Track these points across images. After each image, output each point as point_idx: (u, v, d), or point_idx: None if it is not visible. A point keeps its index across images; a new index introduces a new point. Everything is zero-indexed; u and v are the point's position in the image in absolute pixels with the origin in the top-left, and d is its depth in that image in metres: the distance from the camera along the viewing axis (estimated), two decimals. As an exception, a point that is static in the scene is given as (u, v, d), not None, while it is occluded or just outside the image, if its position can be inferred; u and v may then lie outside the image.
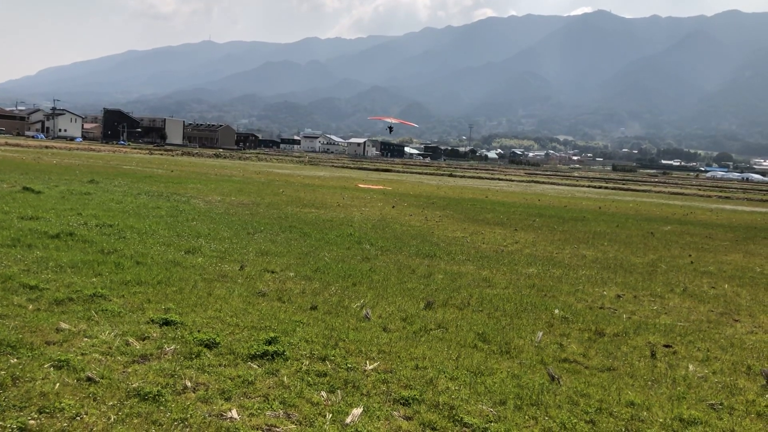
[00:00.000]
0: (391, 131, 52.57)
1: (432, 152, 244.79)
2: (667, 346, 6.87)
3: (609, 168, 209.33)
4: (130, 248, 9.46)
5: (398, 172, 77.07)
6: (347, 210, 18.97)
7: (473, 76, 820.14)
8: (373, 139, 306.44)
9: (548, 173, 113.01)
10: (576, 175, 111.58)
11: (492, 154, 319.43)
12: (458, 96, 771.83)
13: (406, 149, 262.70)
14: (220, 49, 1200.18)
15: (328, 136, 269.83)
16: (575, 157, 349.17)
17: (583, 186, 65.23)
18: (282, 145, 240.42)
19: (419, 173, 73.70)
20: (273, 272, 8.83)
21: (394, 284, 8.59)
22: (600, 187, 65.32)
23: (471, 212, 21.41)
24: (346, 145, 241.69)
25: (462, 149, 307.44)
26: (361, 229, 14.48)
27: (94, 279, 7.53)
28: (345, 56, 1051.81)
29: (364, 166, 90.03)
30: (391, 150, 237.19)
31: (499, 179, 71.28)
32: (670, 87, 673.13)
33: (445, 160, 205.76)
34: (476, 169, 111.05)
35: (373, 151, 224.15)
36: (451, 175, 73.34)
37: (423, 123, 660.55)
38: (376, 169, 79.97)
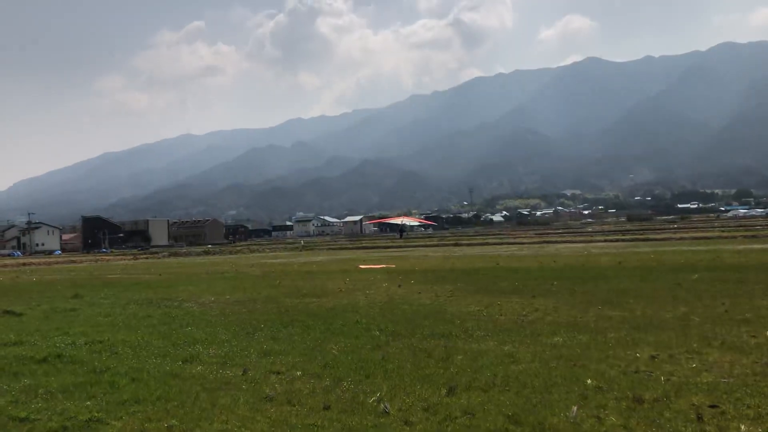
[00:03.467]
0: (402, 235, 65.10)
1: (434, 221, 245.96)
2: (713, 406, 6.79)
3: (623, 219, 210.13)
4: (124, 364, 9.45)
5: (400, 247, 77.36)
6: (351, 295, 19.00)
7: (467, 138, 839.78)
8: (370, 215, 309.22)
9: (559, 231, 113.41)
10: (589, 230, 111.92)
11: (497, 218, 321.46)
12: (454, 160, 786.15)
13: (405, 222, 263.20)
14: (201, 140, 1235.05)
15: (322, 217, 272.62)
16: (586, 212, 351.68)
17: (598, 241, 65.34)
18: (274, 233, 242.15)
19: (423, 245, 73.87)
20: (278, 373, 8.80)
21: (410, 372, 8.56)
22: (617, 240, 65.33)
23: (484, 283, 21.40)
24: (341, 225, 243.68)
25: (465, 215, 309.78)
26: (368, 314, 14.47)
27: (89, 402, 7.50)
28: (331, 133, 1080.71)
29: (363, 244, 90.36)
30: (390, 225, 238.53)
31: (509, 243, 71.39)
32: (675, 127, 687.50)
33: (448, 228, 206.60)
34: (483, 235, 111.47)
35: (370, 228, 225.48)
36: (456, 245, 73.53)
37: (420, 192, 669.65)
38: (376, 247, 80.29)
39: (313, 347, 10.62)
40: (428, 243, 79.17)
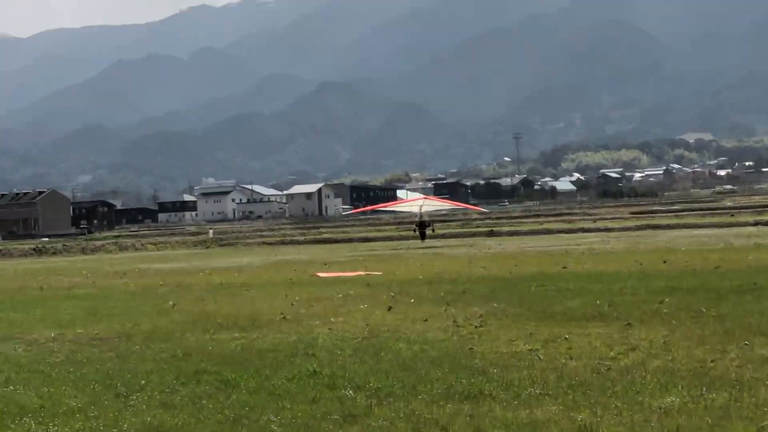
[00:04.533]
0: (424, 234, 64.05)
1: (449, 192, 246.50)
2: None
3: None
4: None
5: (389, 239, 77.36)
6: (302, 326, 18.97)
7: (507, 41, 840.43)
8: (338, 182, 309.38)
9: (675, 208, 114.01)
10: (729, 204, 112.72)
11: (564, 184, 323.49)
12: (485, 85, 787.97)
13: (401, 194, 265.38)
14: (26, 47, 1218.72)
15: (249, 187, 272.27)
16: (721, 172, 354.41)
17: (746, 224, 65.86)
18: (162, 216, 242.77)
19: (432, 236, 74.22)
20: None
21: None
22: (779, 223, 65.88)
23: (539, 301, 21.40)
24: (284, 200, 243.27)
25: (506, 181, 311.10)
26: (332, 359, 14.44)
27: None
28: (263, 35, 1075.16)
29: (323, 235, 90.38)
30: (373, 198, 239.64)
31: (584, 230, 71.69)
32: None
33: (476, 203, 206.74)
34: (537, 215, 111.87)
35: (337, 205, 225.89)
36: (491, 233, 73.75)
37: (425, 140, 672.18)
38: (348, 240, 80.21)
39: (235, 420, 10.57)
40: (440, 231, 79.41)
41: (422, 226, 65.02)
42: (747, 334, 15.11)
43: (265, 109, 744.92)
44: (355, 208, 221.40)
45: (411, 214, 78.96)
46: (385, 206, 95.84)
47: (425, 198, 79.96)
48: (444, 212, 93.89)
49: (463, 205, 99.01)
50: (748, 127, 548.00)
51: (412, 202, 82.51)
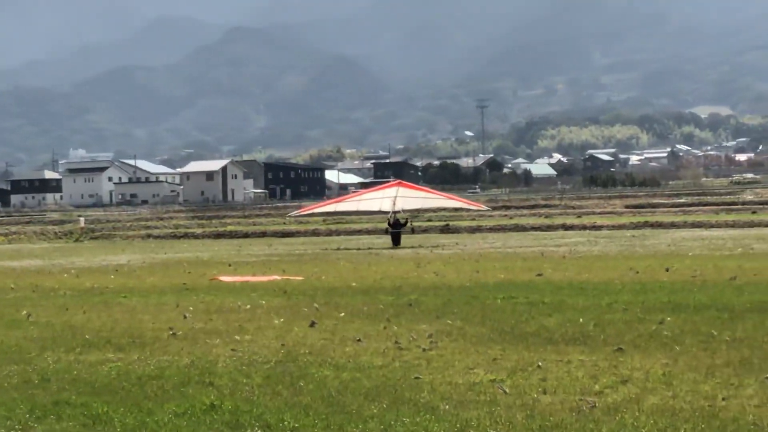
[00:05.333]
0: (398, 238, 60.34)
1: (395, 175, 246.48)
2: None
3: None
4: None
5: (315, 234, 77.21)
6: (198, 345, 18.96)
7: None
8: (248, 159, 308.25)
9: (681, 201, 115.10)
10: (749, 198, 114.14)
11: (541, 168, 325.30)
12: (440, 39, 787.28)
13: (331, 176, 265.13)
14: None
15: (131, 162, 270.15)
16: (741, 156, 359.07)
17: (768, 224, 66.73)
18: (15, 198, 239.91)
19: (368, 231, 74.41)
20: None
21: None
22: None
23: (506, 318, 21.53)
24: (178, 180, 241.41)
25: (467, 162, 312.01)
26: (236, 390, 14.43)
27: None
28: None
29: (228, 227, 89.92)
30: (295, 180, 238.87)
31: (566, 227, 72.17)
32: None
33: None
34: (506, 207, 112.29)
35: (247, 188, 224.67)
36: (447, 229, 73.95)
37: (365, 108, 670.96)
38: (262, 233, 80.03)
39: (106, 467, 10.47)
40: (380, 225, 79.53)
41: (397, 225, 62.21)
42: (769, 364, 15.30)
43: (154, 60, 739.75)
44: (272, 193, 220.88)
45: (382, 212, 71.94)
46: (345, 199, 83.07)
47: (399, 184, 71.17)
48: (426, 209, 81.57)
49: (457, 200, 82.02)
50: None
51: (382, 192, 72.98)
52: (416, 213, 72.90)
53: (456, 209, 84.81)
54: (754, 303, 22.71)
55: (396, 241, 60.19)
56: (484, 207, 76.66)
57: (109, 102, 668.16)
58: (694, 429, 11.43)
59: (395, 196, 65.07)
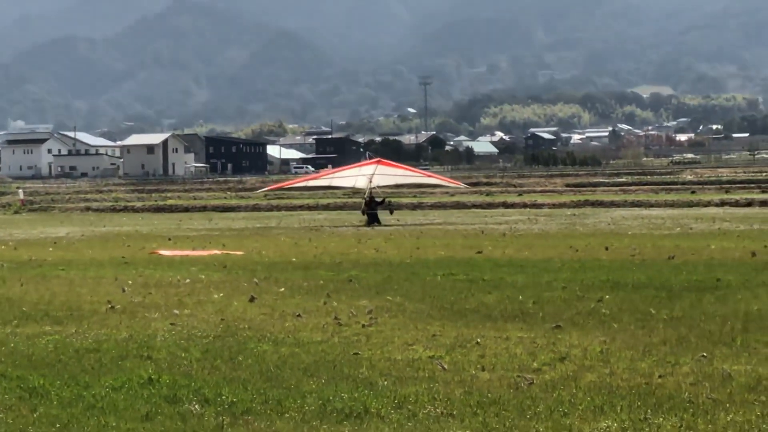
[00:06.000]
0: (374, 208, 57.39)
1: (337, 152, 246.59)
2: None
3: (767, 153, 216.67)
4: None
5: (256, 209, 76.92)
6: (136, 319, 18.85)
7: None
8: (189, 132, 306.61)
9: (622, 180, 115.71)
10: (689, 178, 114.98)
11: (483, 146, 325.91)
12: (383, 14, 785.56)
13: (273, 151, 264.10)
14: None
15: (71, 135, 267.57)
16: (682, 136, 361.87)
17: (710, 205, 67.29)
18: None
19: (310, 207, 74.36)
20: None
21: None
22: (751, 204, 67.53)
23: (445, 294, 21.60)
24: (118, 153, 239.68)
25: (409, 139, 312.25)
26: (174, 364, 14.39)
27: None
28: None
29: (168, 201, 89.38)
30: (237, 155, 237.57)
31: (506, 205, 72.37)
32: None
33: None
34: (446, 185, 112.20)
35: (188, 162, 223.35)
36: (388, 205, 73.97)
37: (309, 82, 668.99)
38: (202, 208, 79.61)
39: (41, 440, 10.39)
40: (322, 201, 79.55)
41: (372, 205, 59.55)
42: (705, 343, 15.43)
43: (95, 31, 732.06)
44: (213, 167, 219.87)
45: (356, 189, 72.38)
46: (318, 177, 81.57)
47: (378, 162, 68.88)
48: (402, 185, 79.16)
49: (435, 177, 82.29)
50: (718, 81, 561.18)
51: (358, 169, 70.97)
52: (390, 189, 71.36)
53: (433, 186, 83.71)
54: (691, 282, 22.90)
55: (372, 220, 57.57)
56: (462, 185, 75.57)
57: (49, 73, 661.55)
58: (630, 406, 11.48)
59: (372, 174, 63.43)
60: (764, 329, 16.60)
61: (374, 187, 61.95)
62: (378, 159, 73.74)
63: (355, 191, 68.45)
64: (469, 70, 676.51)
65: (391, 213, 60.11)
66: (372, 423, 10.98)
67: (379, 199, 60.40)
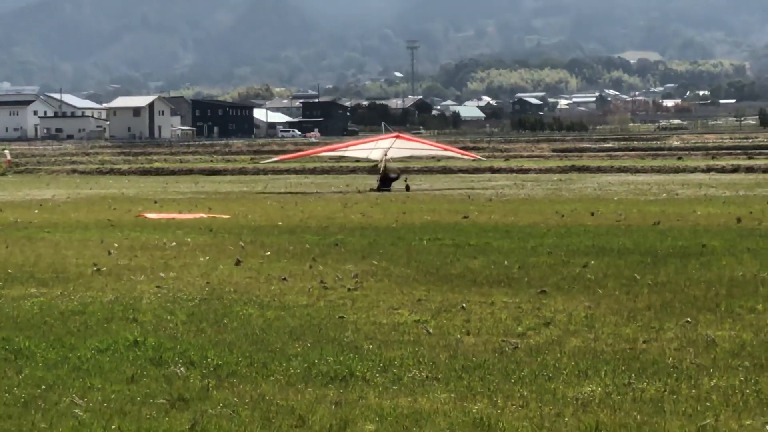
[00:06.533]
0: (388, 182, 55.45)
1: (323, 116, 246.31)
2: None
3: (754, 120, 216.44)
4: None
5: (243, 172, 76.89)
6: (122, 282, 18.84)
7: None
8: (176, 95, 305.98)
9: (608, 146, 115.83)
10: (676, 144, 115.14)
11: (470, 110, 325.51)
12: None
13: (259, 114, 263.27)
14: None
15: (57, 96, 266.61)
16: (669, 102, 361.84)
17: (697, 171, 67.41)
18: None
19: (296, 171, 74.33)
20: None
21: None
22: (737, 170, 67.69)
23: (431, 259, 21.64)
24: (104, 116, 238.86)
25: (396, 103, 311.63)
26: (160, 327, 14.39)
27: None
28: None
29: (154, 164, 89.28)
30: (223, 118, 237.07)
31: (493, 170, 72.46)
32: None
33: (357, 131, 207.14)
34: (463, 158, 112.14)
35: (174, 125, 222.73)
36: (374, 168, 73.84)
37: (296, 46, 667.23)
38: (189, 171, 79.51)
39: (27, 403, 10.34)
40: (308, 165, 79.50)
41: (386, 180, 57.85)
42: (690, 308, 15.50)
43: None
44: (200, 130, 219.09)
45: (369, 160, 69.47)
46: (333, 149, 76.02)
47: (396, 137, 65.40)
48: (416, 157, 75.79)
49: (451, 150, 77.97)
50: (705, 47, 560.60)
51: (374, 143, 67.78)
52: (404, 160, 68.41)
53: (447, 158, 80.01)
54: (676, 248, 22.95)
55: (384, 184, 56.72)
56: (479, 157, 73.32)
57: (35, 35, 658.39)
58: (614, 371, 11.53)
59: (389, 148, 61.96)
60: (748, 295, 16.70)
61: (389, 159, 60.72)
62: (396, 133, 69.70)
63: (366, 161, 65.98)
64: (456, 35, 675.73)
65: (408, 189, 55.72)
66: (357, 386, 11.01)
67: (393, 176, 58.97)
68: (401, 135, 67.89)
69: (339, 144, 74.99)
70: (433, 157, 77.39)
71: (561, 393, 10.66)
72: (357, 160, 70.52)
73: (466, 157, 72.52)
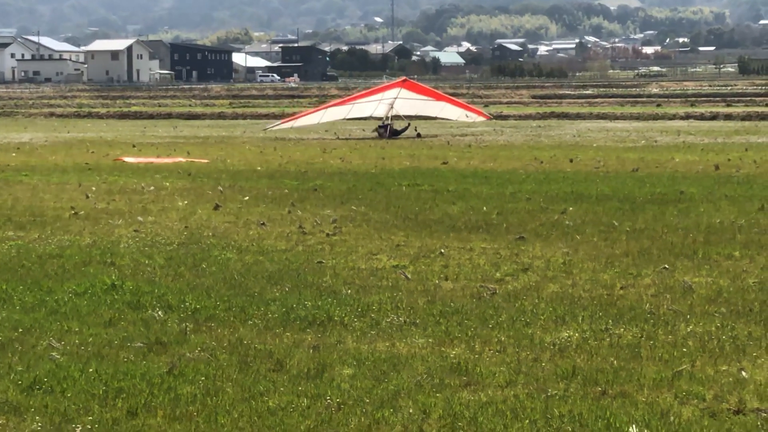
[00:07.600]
0: (395, 134, 51.14)
1: (303, 60, 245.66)
2: None
3: (733, 68, 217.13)
4: None
5: (221, 117, 76.73)
6: (100, 225, 18.88)
7: None
8: (154, 39, 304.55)
9: (588, 92, 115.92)
10: (655, 91, 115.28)
11: (450, 56, 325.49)
12: None
13: (238, 59, 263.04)
14: None
15: (34, 39, 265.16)
16: (648, 49, 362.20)
17: (675, 118, 67.45)
18: None
19: (276, 116, 74.12)
20: None
21: (237, 409, 8.52)
22: (716, 117, 67.76)
23: (410, 204, 21.67)
24: (82, 59, 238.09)
25: (376, 49, 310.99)
26: (138, 270, 14.42)
27: None
28: None
29: (133, 108, 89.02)
30: (202, 62, 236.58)
31: (471, 117, 72.24)
32: None
33: (337, 77, 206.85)
34: (472, 117, 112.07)
35: (152, 68, 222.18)
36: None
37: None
38: (167, 115, 79.27)
39: (4, 346, 10.29)
40: (287, 110, 79.29)
41: (393, 132, 53.36)
42: (667, 255, 15.61)
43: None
44: (178, 74, 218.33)
45: (374, 117, 61.07)
46: (333, 105, 66.50)
47: (401, 86, 59.40)
48: (422, 116, 67.98)
49: (462, 106, 67.98)
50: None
51: (380, 95, 60.97)
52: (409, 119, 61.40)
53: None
54: (654, 195, 23.03)
55: (391, 134, 52.31)
56: (489, 117, 68.14)
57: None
58: (592, 317, 11.60)
59: (395, 98, 56.88)
60: (725, 242, 16.79)
61: (395, 114, 56.18)
62: (403, 79, 64.19)
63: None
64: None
65: (419, 137, 52.15)
66: (335, 331, 11.06)
67: (400, 128, 54.32)
68: (408, 81, 62.37)
69: (343, 100, 68.56)
70: (435, 118, 70.97)
71: (538, 338, 10.73)
72: (362, 118, 64.97)
73: (476, 116, 65.58)
